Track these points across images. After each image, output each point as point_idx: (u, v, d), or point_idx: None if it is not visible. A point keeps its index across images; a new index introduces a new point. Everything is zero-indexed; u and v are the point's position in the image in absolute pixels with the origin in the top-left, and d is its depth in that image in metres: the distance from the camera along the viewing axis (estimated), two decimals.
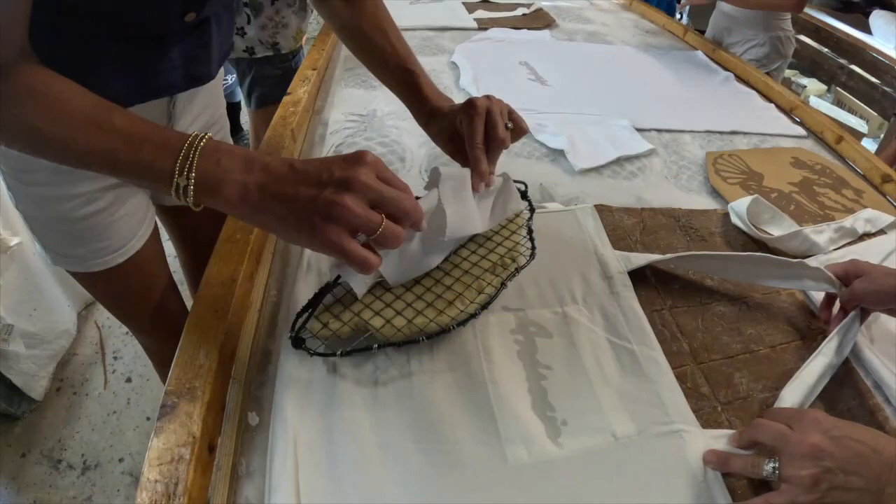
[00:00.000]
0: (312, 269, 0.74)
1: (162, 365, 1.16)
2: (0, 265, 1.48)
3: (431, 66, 1.44)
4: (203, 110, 0.89)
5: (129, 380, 1.80)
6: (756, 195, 0.92)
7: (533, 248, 0.75)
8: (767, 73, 1.76)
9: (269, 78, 1.76)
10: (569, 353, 0.67)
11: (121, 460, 1.58)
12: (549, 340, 0.68)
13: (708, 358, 0.70)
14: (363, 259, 0.50)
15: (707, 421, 0.62)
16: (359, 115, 1.16)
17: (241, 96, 1.90)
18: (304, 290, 0.70)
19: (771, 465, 0.53)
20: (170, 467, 0.49)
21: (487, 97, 0.73)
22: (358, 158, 0.51)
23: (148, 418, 1.68)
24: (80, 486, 1.52)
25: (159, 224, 0.98)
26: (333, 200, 0.49)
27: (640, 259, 0.80)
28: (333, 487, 0.53)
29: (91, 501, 1.50)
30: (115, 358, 1.86)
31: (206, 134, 0.52)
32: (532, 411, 0.61)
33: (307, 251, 0.75)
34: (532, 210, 0.82)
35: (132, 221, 0.83)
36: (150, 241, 0.89)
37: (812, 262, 0.76)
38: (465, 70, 1.38)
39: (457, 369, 0.64)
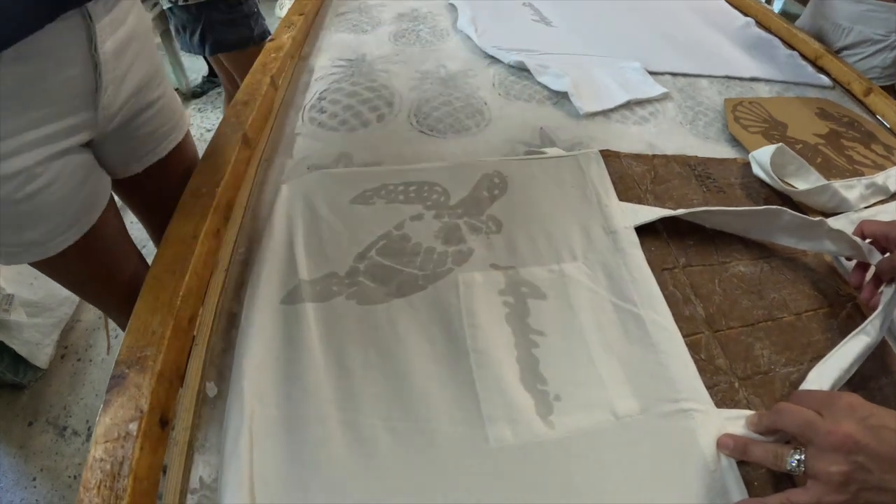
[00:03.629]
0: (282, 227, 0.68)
1: None
2: None
3: (428, 8, 1.35)
4: (135, 60, 0.78)
5: None
6: (780, 144, 0.83)
7: None
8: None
9: (218, 24, 1.73)
10: (565, 316, 0.60)
11: None
12: (542, 302, 0.61)
13: (725, 325, 0.63)
14: None
15: (722, 399, 0.56)
16: (346, 60, 1.09)
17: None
18: (275, 248, 0.64)
19: (796, 457, 0.45)
20: (115, 445, 0.45)
21: None
22: None
23: None
24: (86, 453, 1.48)
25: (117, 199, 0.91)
26: None
27: (649, 213, 0.71)
28: (292, 471, 0.47)
29: None
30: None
31: None
32: (520, 384, 0.54)
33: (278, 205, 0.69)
34: None
35: (83, 192, 0.75)
36: (108, 211, 0.81)
37: (841, 219, 0.68)
38: (462, 11, 1.28)
39: (434, 336, 0.57)
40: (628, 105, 0.99)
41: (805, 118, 1.05)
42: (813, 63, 1.28)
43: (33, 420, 1.57)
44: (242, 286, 0.63)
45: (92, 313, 1.85)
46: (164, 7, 1.76)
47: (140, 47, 0.79)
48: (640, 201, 0.75)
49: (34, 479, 1.45)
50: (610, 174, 0.78)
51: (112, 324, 1.77)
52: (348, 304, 0.58)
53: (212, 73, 3.01)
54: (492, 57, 1.10)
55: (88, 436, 1.53)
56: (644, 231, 0.70)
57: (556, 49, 1.15)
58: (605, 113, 0.96)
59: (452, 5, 1.35)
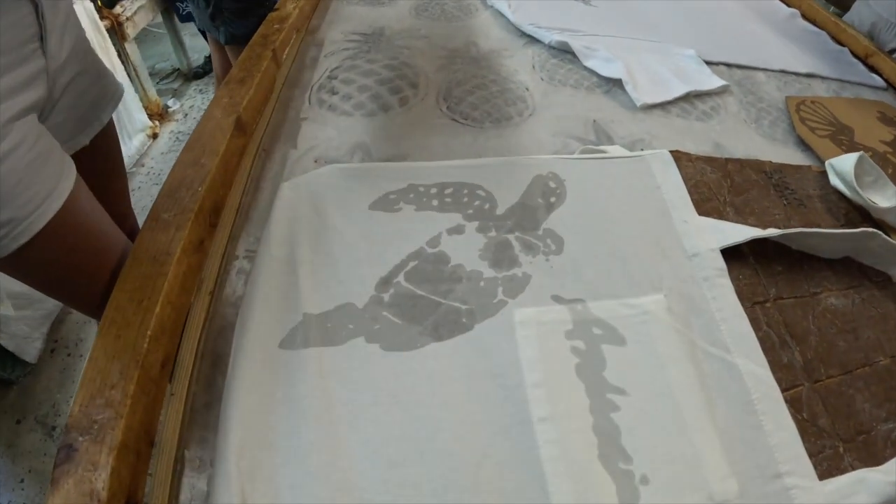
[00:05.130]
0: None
1: None
2: None
3: None
4: (69, 17, 0.77)
5: None
6: (862, 153, 0.76)
7: None
8: None
9: (228, 12, 1.61)
10: (650, 369, 0.48)
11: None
12: (621, 349, 0.48)
13: (825, 373, 0.54)
14: None
15: (827, 468, 0.47)
16: (361, 35, 0.98)
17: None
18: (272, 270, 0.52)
19: None
20: None
21: None
22: None
23: None
24: None
25: None
26: None
27: (737, 233, 0.60)
28: None
29: None
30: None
31: None
32: (599, 463, 0.42)
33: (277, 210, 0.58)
34: None
35: (53, 158, 0.70)
36: (80, 186, 0.74)
37: None
38: None
39: (485, 395, 0.44)
40: (687, 97, 0.88)
41: (868, 122, 0.98)
42: (863, 61, 1.20)
43: (21, 418, 1.52)
44: (229, 316, 0.51)
45: None
46: None
47: (69, 5, 0.77)
48: (720, 215, 0.64)
49: (22, 481, 1.40)
50: (683, 180, 0.66)
51: None
52: (369, 350, 0.46)
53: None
54: (529, 36, 0.99)
55: None
56: (727, 253, 0.59)
57: (598, 30, 1.04)
58: (663, 106, 0.85)
59: None
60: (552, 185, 0.62)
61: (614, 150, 0.70)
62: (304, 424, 0.42)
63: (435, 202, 0.59)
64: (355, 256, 0.53)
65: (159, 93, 2.64)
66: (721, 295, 0.54)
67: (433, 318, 0.49)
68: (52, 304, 1.65)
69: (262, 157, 0.70)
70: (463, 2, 1.12)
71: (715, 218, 0.63)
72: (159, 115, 2.58)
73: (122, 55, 2.22)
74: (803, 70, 1.07)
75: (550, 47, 0.96)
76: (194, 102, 2.78)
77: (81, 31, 0.80)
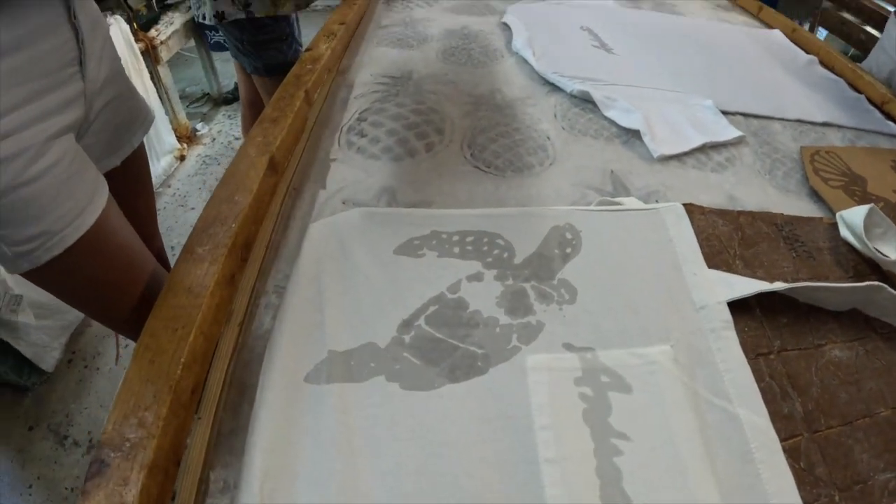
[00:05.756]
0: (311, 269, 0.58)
1: None
2: None
3: (479, 26, 1.28)
4: (105, 43, 0.80)
5: None
6: (872, 205, 0.76)
7: None
8: None
9: (249, 44, 1.62)
10: (654, 416, 0.49)
11: None
12: (626, 396, 0.50)
13: (825, 424, 0.54)
14: None
15: None
16: (391, 78, 1.00)
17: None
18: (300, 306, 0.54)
19: None
20: None
21: None
22: None
23: None
24: (85, 465, 1.45)
25: None
26: None
27: (745, 286, 0.61)
28: None
29: None
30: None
31: None
32: (600, 502, 0.43)
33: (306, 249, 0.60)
34: None
35: (88, 175, 0.73)
36: (112, 204, 0.78)
37: None
38: (517, 32, 1.20)
39: (496, 435, 0.46)
40: (703, 148, 0.89)
41: (882, 172, 0.97)
42: (880, 108, 1.19)
43: (34, 425, 1.54)
44: (256, 348, 0.54)
45: None
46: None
47: (106, 32, 0.81)
48: (729, 268, 0.66)
49: (30, 487, 1.41)
50: (695, 232, 0.68)
51: None
52: (389, 388, 0.48)
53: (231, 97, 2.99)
54: (552, 84, 1.02)
55: (89, 448, 1.49)
56: (734, 305, 0.61)
57: (619, 79, 1.06)
58: (679, 157, 0.86)
59: (506, 24, 1.28)
60: (568, 236, 0.64)
61: (630, 202, 0.72)
62: (326, 455, 0.44)
63: (456, 249, 0.61)
64: (379, 299, 0.56)
65: (188, 116, 2.67)
66: (726, 347, 0.56)
67: (450, 361, 0.51)
68: (72, 316, 1.68)
69: (293, 195, 0.72)
70: (489, 47, 1.15)
71: (724, 271, 0.64)
72: (188, 137, 2.60)
73: (155, 78, 2.27)
74: (820, 119, 1.07)
75: (572, 96, 0.97)
76: (222, 127, 2.80)
77: (117, 57, 0.84)
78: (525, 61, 1.09)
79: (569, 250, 0.63)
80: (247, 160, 0.69)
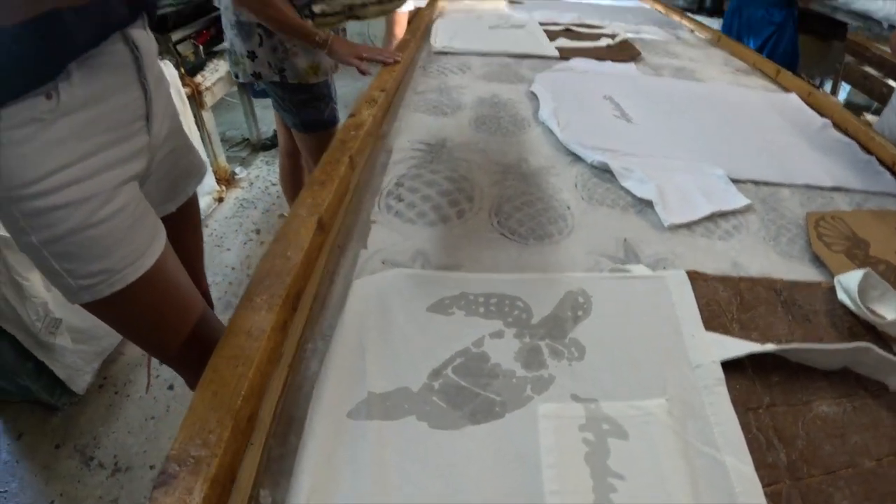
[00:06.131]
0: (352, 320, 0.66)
1: None
2: None
3: (509, 94, 1.36)
4: (167, 98, 0.88)
5: (171, 387, 1.77)
6: (867, 269, 0.79)
7: None
8: None
9: (287, 102, 1.70)
10: (647, 460, 0.56)
11: (151, 467, 1.55)
12: (624, 443, 0.57)
13: (807, 473, 0.58)
14: None
15: None
16: (426, 144, 1.09)
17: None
18: (344, 353, 0.62)
19: None
20: None
21: None
22: None
23: None
24: (108, 487, 1.50)
25: None
26: None
27: (737, 348, 0.68)
28: None
29: None
30: (161, 363, 1.83)
31: None
32: None
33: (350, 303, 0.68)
34: None
35: (149, 221, 0.81)
36: (168, 248, 0.86)
37: None
38: (544, 101, 1.29)
39: (508, 472, 0.54)
40: (712, 217, 0.95)
41: (887, 234, 0.99)
42: (890, 169, 1.22)
43: (61, 443, 1.59)
44: (303, 386, 0.61)
45: (136, 349, 1.87)
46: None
47: (167, 90, 0.88)
48: (725, 331, 0.72)
49: (52, 502, 1.46)
50: (696, 298, 0.75)
51: (154, 362, 1.81)
52: (420, 427, 0.56)
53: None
54: (574, 154, 1.09)
55: (114, 470, 1.53)
56: (729, 363, 0.67)
57: (637, 149, 1.13)
58: (688, 225, 0.92)
59: (533, 93, 1.35)
60: (580, 300, 0.72)
61: (638, 269, 0.79)
62: (363, 484, 0.51)
63: (481, 309, 0.69)
64: (413, 349, 0.63)
65: (228, 160, 2.74)
66: (717, 402, 0.62)
67: (472, 406, 0.58)
68: (106, 343, 1.74)
69: (337, 253, 0.79)
70: (517, 116, 1.23)
71: (721, 333, 0.70)
72: (226, 180, 2.67)
73: (199, 121, 2.36)
74: (829, 183, 1.11)
75: (592, 166, 1.05)
76: (260, 172, 2.88)
77: (177, 113, 0.92)
78: (550, 131, 1.16)
79: (580, 313, 0.70)
80: (298, 219, 0.76)
